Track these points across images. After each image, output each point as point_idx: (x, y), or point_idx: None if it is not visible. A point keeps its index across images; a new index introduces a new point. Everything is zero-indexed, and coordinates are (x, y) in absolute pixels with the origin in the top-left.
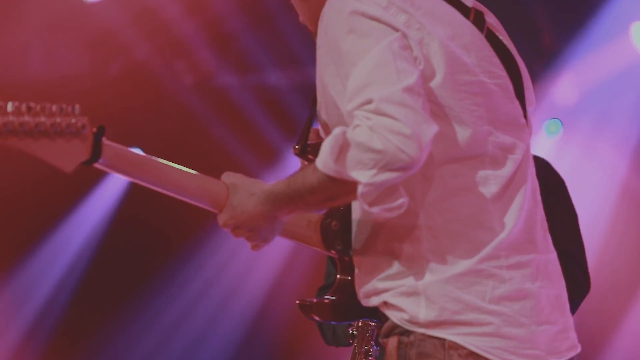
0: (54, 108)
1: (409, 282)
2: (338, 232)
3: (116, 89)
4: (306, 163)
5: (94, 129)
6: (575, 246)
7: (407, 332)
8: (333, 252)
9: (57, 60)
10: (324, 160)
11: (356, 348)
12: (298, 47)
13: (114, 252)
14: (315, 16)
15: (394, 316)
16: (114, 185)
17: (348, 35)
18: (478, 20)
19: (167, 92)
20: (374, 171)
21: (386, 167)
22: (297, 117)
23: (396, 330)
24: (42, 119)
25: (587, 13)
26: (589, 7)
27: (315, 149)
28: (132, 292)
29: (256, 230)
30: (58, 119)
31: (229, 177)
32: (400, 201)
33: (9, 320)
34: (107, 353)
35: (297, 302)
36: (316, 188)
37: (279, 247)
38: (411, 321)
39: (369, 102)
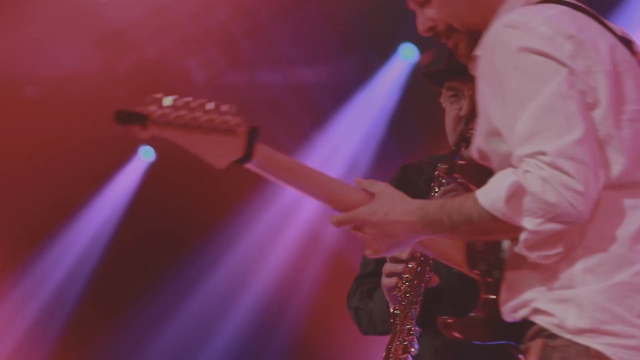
0: (211, 105)
1: (561, 291)
2: (483, 253)
3: (126, 87)
4: (443, 181)
5: (249, 129)
6: None
7: (554, 336)
8: (476, 272)
9: (67, 58)
10: (493, 201)
11: (398, 326)
12: (312, 44)
13: (124, 250)
14: (476, 10)
15: (542, 320)
16: (124, 184)
17: (514, 72)
18: (631, 49)
19: (177, 90)
20: (540, 220)
21: (554, 219)
22: (315, 113)
23: (543, 333)
24: (198, 114)
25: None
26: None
27: (463, 170)
28: (141, 290)
29: (389, 236)
30: (213, 115)
31: (373, 185)
32: (557, 250)
33: (17, 315)
34: (114, 350)
35: (438, 319)
36: (473, 221)
37: (286, 247)
38: (559, 326)
39: (543, 153)
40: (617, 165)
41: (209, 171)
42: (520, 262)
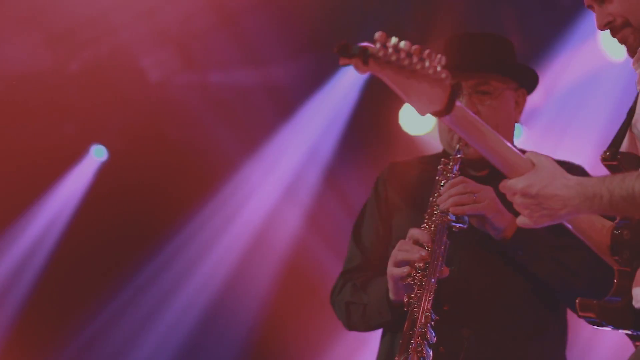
0: (425, 52)
1: None
2: (628, 241)
3: (78, 86)
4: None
5: (453, 83)
6: None
7: None
8: (617, 258)
9: (17, 56)
10: None
11: (415, 313)
12: (265, 46)
13: (73, 249)
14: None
15: None
16: (75, 183)
17: None
18: None
19: (131, 89)
20: None
21: None
22: (262, 115)
23: None
24: (415, 59)
25: (556, 17)
26: (559, 11)
27: (625, 158)
28: (89, 291)
29: (545, 209)
30: (428, 63)
31: (535, 155)
32: None
33: None
34: (60, 355)
35: (577, 300)
36: (635, 195)
37: (235, 248)
38: None
39: None
40: None
41: (162, 171)
42: None
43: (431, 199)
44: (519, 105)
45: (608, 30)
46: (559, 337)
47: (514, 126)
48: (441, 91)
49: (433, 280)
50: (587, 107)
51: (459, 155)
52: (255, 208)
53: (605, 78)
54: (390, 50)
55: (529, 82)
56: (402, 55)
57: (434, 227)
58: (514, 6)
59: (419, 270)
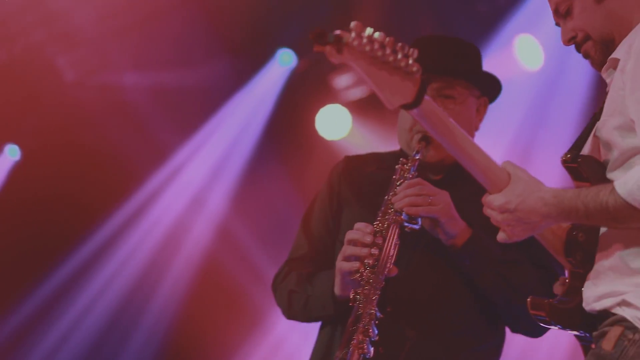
0: (398, 45)
1: None
2: (582, 244)
3: None
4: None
5: (422, 77)
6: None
7: (634, 329)
8: (570, 259)
9: None
10: (631, 190)
11: (360, 310)
12: (182, 48)
13: None
14: (611, 21)
15: (627, 313)
16: None
17: None
18: None
19: (46, 89)
20: None
21: None
22: (177, 118)
23: (623, 322)
24: (388, 51)
25: (472, 25)
26: (474, 19)
27: (585, 161)
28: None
29: (524, 223)
30: (400, 56)
31: (511, 166)
32: None
33: None
34: None
35: (529, 299)
36: (609, 209)
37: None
38: None
39: None
40: None
41: (75, 172)
42: (616, 254)
43: (386, 197)
44: (480, 113)
45: (524, 39)
46: (496, 349)
47: (474, 133)
48: (411, 84)
49: (381, 277)
50: (500, 114)
51: (417, 157)
52: (167, 212)
53: (519, 85)
54: (364, 40)
55: (492, 92)
56: (376, 46)
57: (387, 225)
58: (432, 12)
59: (367, 267)
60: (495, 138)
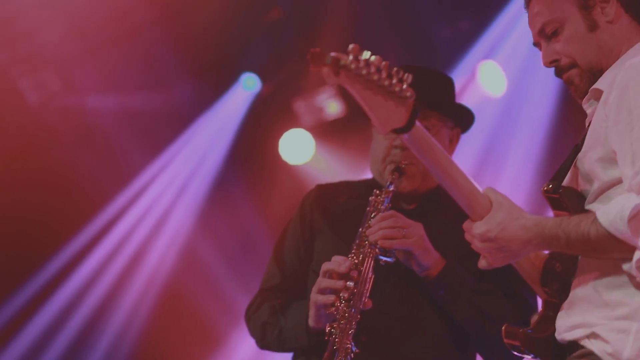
0: (393, 69)
1: (624, 324)
2: (559, 274)
3: None
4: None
5: (415, 103)
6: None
7: None
8: (546, 289)
9: None
10: (613, 221)
11: (336, 344)
12: (146, 72)
13: None
14: (602, 52)
15: (595, 346)
16: None
17: None
18: None
19: (9, 111)
20: None
21: None
22: (140, 141)
23: (591, 356)
24: (384, 75)
25: (435, 51)
26: (438, 45)
27: (567, 192)
28: None
29: (505, 251)
30: (395, 80)
31: (493, 193)
32: None
33: None
34: None
35: (504, 327)
36: (590, 239)
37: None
38: (613, 355)
39: None
40: None
41: (38, 195)
42: (590, 285)
43: (361, 229)
44: (453, 143)
45: (487, 65)
46: None
47: None
48: (404, 109)
49: (357, 311)
50: (464, 140)
51: (390, 188)
52: (131, 235)
53: (482, 112)
54: (361, 63)
55: (466, 123)
56: (372, 69)
57: (362, 257)
58: (396, 38)
59: (343, 300)
60: (460, 163)
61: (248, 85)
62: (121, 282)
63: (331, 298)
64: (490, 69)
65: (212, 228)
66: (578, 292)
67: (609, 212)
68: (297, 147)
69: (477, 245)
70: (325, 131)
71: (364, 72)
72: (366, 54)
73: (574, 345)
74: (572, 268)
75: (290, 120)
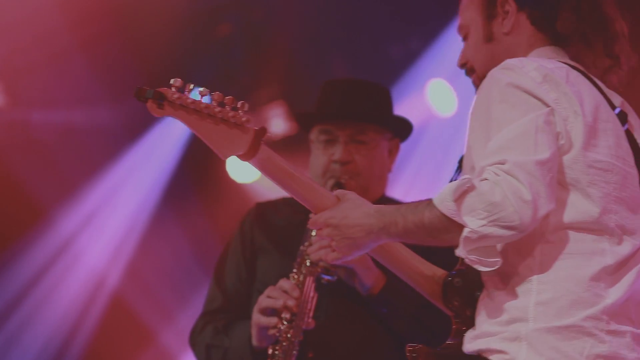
0: (226, 98)
1: (514, 328)
2: (459, 289)
3: None
4: None
5: (258, 128)
6: None
7: None
8: (450, 306)
9: None
10: (443, 198)
11: None
12: (92, 87)
13: None
14: (494, 62)
15: (495, 358)
16: None
17: (500, 104)
18: (622, 116)
19: None
20: (484, 222)
21: (496, 222)
22: (86, 158)
23: None
24: (213, 103)
25: (384, 69)
26: (387, 63)
27: None
28: None
29: (349, 238)
30: (227, 108)
31: (342, 192)
32: (495, 259)
33: None
34: None
35: (408, 346)
36: (424, 221)
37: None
38: None
39: (503, 162)
40: (583, 208)
41: None
42: (490, 294)
43: (301, 247)
44: (392, 154)
45: (437, 84)
46: None
47: (387, 175)
48: (245, 135)
49: (299, 333)
50: (414, 159)
51: None
52: (74, 251)
53: (432, 131)
54: (186, 95)
55: (404, 132)
56: (199, 99)
57: (303, 277)
58: (344, 55)
59: (285, 321)
60: (409, 183)
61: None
62: (65, 298)
63: (273, 320)
64: (440, 87)
65: (159, 245)
66: (480, 302)
67: (441, 191)
68: (244, 165)
69: (322, 234)
70: (271, 148)
71: (189, 101)
72: (192, 86)
73: (477, 356)
74: (472, 281)
75: None
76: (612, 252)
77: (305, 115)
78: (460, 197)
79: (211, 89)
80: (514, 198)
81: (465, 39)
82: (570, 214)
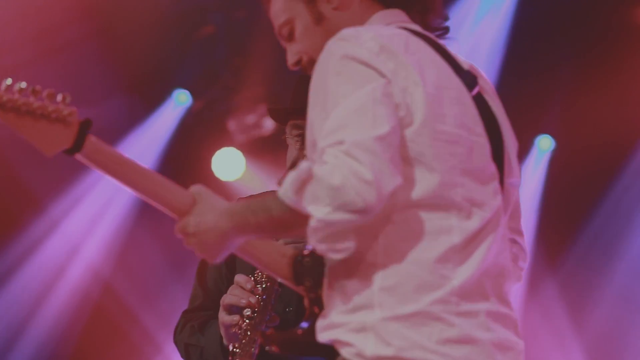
0: (45, 92)
1: (360, 318)
2: (309, 269)
3: None
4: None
5: (81, 120)
6: None
7: None
8: (302, 287)
9: None
10: (285, 190)
11: None
12: (75, 86)
13: None
14: (322, 45)
15: (343, 351)
16: None
17: (336, 77)
18: (469, 81)
19: None
20: (328, 209)
21: (341, 207)
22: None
23: None
24: (31, 99)
25: None
26: None
27: None
28: None
29: (208, 243)
30: (47, 103)
31: (198, 188)
32: (346, 245)
33: None
34: None
35: (261, 333)
36: (272, 214)
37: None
38: (359, 355)
39: (341, 143)
40: (427, 183)
41: None
42: (336, 280)
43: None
44: None
45: None
46: None
47: None
48: (69, 130)
49: (260, 329)
50: None
51: None
52: (60, 247)
53: None
54: (1, 91)
55: None
56: (16, 96)
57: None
58: None
59: (246, 319)
60: None
61: (180, 102)
62: (35, 309)
63: (235, 318)
64: None
65: (139, 246)
66: (327, 288)
67: (284, 183)
68: (228, 163)
69: (185, 243)
70: (255, 148)
71: (5, 99)
72: (9, 81)
73: (330, 347)
74: (320, 261)
75: (222, 137)
76: (460, 228)
77: (277, 110)
78: (301, 187)
79: (194, 90)
80: (355, 180)
81: (291, 35)
82: (415, 191)
